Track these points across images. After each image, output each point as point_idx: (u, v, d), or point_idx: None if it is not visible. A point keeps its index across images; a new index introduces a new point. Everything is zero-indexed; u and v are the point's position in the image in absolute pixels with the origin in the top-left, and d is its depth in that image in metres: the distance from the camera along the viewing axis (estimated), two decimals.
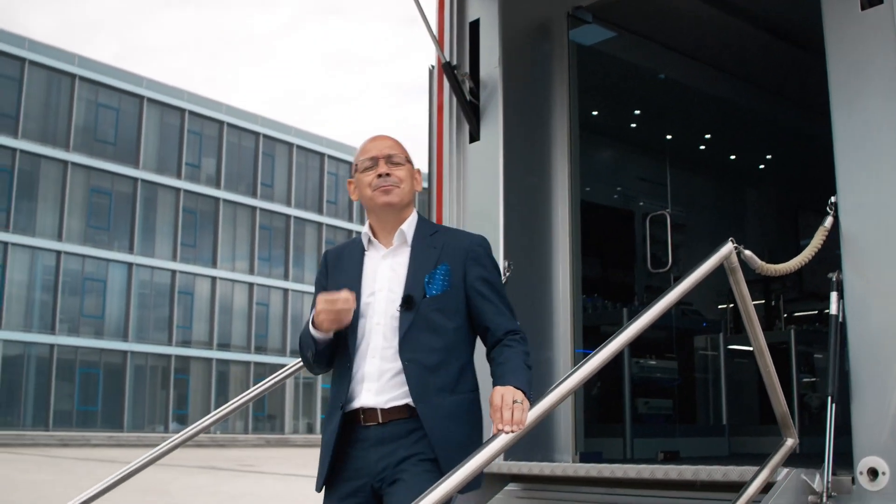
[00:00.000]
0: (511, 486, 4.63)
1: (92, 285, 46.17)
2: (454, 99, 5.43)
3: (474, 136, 5.35)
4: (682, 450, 6.31)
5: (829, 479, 3.41)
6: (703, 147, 8.56)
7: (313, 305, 3.12)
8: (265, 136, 53.96)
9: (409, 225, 3.18)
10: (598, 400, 6.75)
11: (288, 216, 54.76)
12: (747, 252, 3.32)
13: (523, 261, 5.16)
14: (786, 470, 3.40)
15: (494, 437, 2.58)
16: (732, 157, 8.91)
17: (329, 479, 3.08)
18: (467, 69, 5.41)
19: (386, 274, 3.12)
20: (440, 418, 2.95)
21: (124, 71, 48.02)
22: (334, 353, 3.15)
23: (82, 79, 45.91)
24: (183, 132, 50.13)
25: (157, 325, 48.51)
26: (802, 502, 3.40)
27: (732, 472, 3.46)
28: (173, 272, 49.01)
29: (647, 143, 8.17)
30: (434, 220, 5.54)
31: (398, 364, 2.99)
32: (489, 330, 3.06)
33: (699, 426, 7.17)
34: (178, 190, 49.56)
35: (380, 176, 3.14)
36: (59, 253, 44.47)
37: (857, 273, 3.61)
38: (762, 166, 9.19)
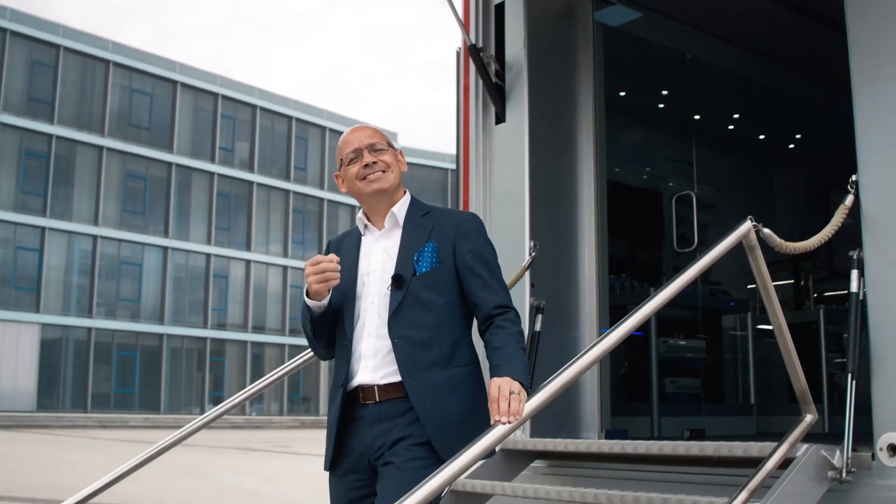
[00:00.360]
0: (537, 463, 4.68)
1: (128, 269, 46.63)
2: (480, 81, 5.48)
3: (500, 118, 5.39)
4: (710, 428, 6.34)
5: (849, 455, 3.42)
6: (731, 127, 8.55)
7: None
8: (298, 119, 54.15)
9: (399, 207, 3.25)
10: (625, 379, 6.79)
11: (321, 199, 54.97)
12: (766, 230, 3.33)
13: (549, 241, 5.21)
14: (805, 446, 3.42)
15: (492, 427, 2.60)
16: (761, 136, 8.89)
17: (335, 457, 3.15)
18: (493, 52, 5.45)
19: (379, 255, 3.18)
20: (429, 393, 2.99)
21: (158, 56, 48.32)
22: (333, 334, 3.23)
23: (116, 65, 46.27)
24: (216, 117, 50.40)
25: (193, 308, 48.92)
26: (822, 478, 3.42)
27: (753, 448, 3.48)
28: (208, 256, 49.39)
29: (675, 123, 8.17)
30: (461, 201, 5.60)
31: (389, 341, 3.07)
32: (477, 305, 3.10)
33: (727, 405, 7.19)
34: (211, 174, 49.88)
35: (366, 165, 3.21)
36: (95, 237, 44.94)
37: (878, 250, 3.62)
38: (792, 146, 9.15)
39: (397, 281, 3.08)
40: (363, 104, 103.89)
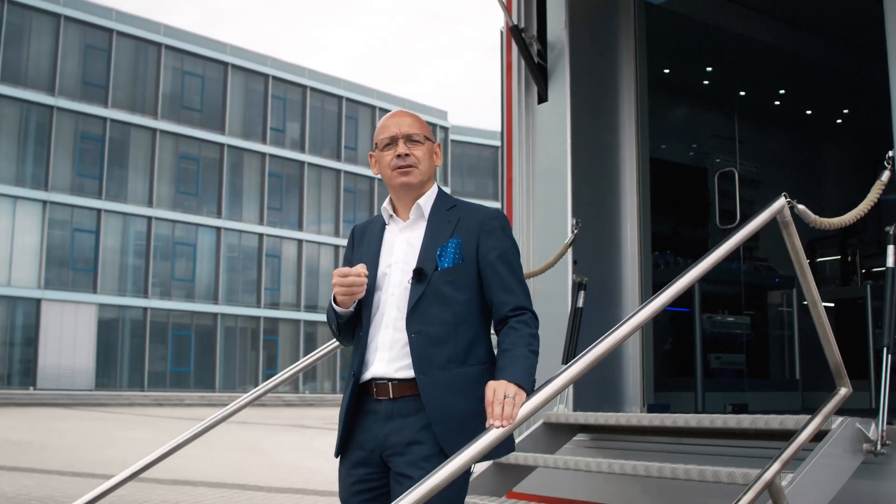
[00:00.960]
0: (579, 436, 4.77)
1: (182, 250, 47.25)
2: (522, 61, 5.55)
3: (542, 98, 5.47)
4: (753, 404, 6.37)
5: (884, 428, 3.47)
6: (777, 102, 8.52)
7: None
8: (348, 99, 54.38)
9: (426, 199, 3.21)
10: (671, 355, 6.84)
11: (372, 178, 55.17)
12: (800, 206, 3.38)
13: (591, 218, 5.28)
14: (840, 419, 3.48)
15: (486, 430, 2.62)
16: (808, 112, 8.85)
17: (344, 446, 3.16)
18: (535, 32, 5.51)
19: (402, 247, 3.16)
20: (440, 389, 2.98)
21: (208, 38, 48.75)
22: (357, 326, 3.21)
23: (168, 47, 46.76)
24: (267, 97, 50.78)
25: (246, 287, 49.46)
26: (857, 450, 3.47)
27: (788, 421, 3.54)
28: (260, 236, 49.86)
29: (720, 99, 8.16)
30: (504, 179, 5.69)
31: (407, 335, 3.04)
32: (495, 305, 3.07)
33: (772, 381, 7.20)
34: (263, 155, 50.29)
35: (399, 156, 3.16)
36: (149, 219, 45.59)
37: None
38: (839, 120, 9.10)
39: (419, 275, 3.06)
40: (413, 82, 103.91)
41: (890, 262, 3.67)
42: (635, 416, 4.52)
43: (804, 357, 7.14)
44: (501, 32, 5.88)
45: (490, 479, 4.38)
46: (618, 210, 5.46)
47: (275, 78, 51.06)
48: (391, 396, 3.04)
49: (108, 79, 44.53)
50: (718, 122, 8.22)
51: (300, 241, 51.46)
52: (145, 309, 45.21)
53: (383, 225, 3.28)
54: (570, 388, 4.84)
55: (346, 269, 3.04)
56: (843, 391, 3.51)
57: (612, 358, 5.25)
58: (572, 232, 5.10)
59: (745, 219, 6.61)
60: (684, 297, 6.57)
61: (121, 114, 44.73)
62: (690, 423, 3.98)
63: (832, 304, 7.62)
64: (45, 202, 42.17)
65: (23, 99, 41.70)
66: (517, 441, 4.61)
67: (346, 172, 53.78)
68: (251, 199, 50.00)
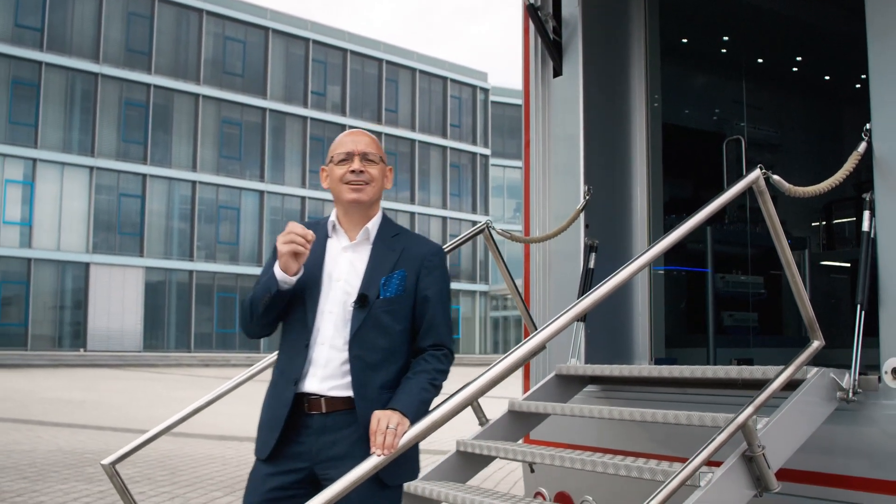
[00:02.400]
0: (590, 387, 5.14)
1: (226, 213, 48.01)
2: (539, 38, 5.87)
3: (557, 72, 5.79)
4: (763, 359, 6.67)
5: (857, 378, 3.82)
6: (795, 69, 8.75)
7: (273, 261, 3.19)
8: (388, 62, 54.64)
9: (374, 223, 3.28)
10: (686, 313, 7.18)
11: (412, 141, 55.52)
12: (775, 177, 3.72)
13: (603, 185, 5.61)
14: (816, 369, 3.83)
15: (369, 457, 2.93)
16: (826, 77, 9.06)
17: (273, 451, 3.15)
18: (550, 10, 5.83)
19: (345, 266, 3.22)
20: (374, 411, 3.05)
21: (249, 3, 49.14)
22: (276, 321, 3.26)
23: (209, 13, 47.27)
24: (308, 61, 51.20)
25: None
26: (831, 398, 3.81)
27: (770, 371, 3.87)
28: (303, 198, 50.47)
29: (739, 67, 8.41)
30: (523, 148, 6.04)
31: (345, 355, 3.12)
32: (419, 335, 3.21)
33: (781, 338, 7.49)
34: (304, 118, 50.81)
35: (353, 172, 3.22)
36: (194, 183, 46.36)
37: (889, 193, 3.95)
38: (858, 85, 9.29)
39: (362, 301, 3.14)
40: (452, 44, 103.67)
41: (865, 227, 3.98)
42: (637, 367, 4.87)
43: (816, 316, 7.41)
44: (523, 10, 6.20)
45: (506, 425, 4.76)
46: (629, 176, 5.78)
47: (315, 42, 51.43)
48: (323, 411, 3.12)
49: (150, 45, 45.17)
50: (738, 88, 8.48)
51: None
52: (191, 272, 46.08)
53: (326, 235, 3.31)
54: (583, 342, 5.22)
55: (294, 225, 3.09)
56: (815, 344, 3.86)
57: (623, 315, 5.62)
58: (584, 198, 5.44)
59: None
60: (700, 259, 6.92)
61: (164, 80, 45.42)
62: (685, 373, 4.33)
63: (848, 265, 7.89)
64: (91, 168, 43.07)
65: (68, 67, 42.52)
66: (532, 391, 5.01)
67: (386, 135, 54.13)
68: (293, 162, 50.59)
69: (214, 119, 47.47)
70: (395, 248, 3.24)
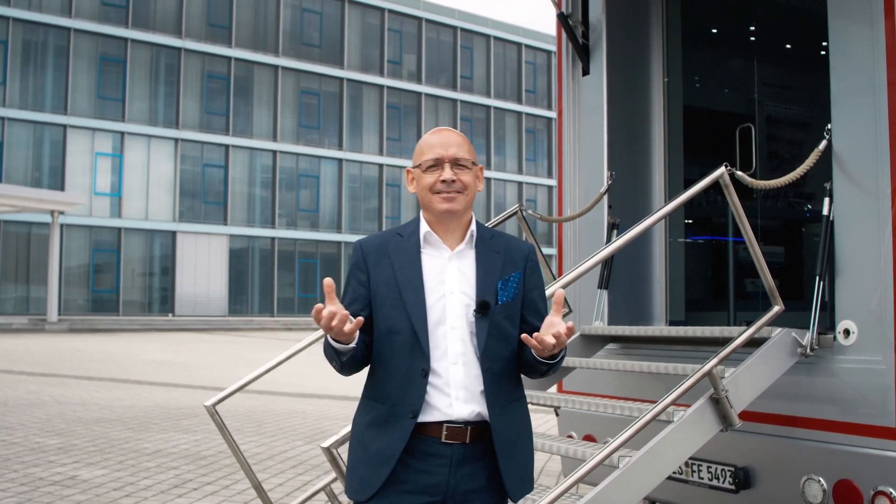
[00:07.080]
0: (610, 346, 6.00)
1: (306, 181, 49.32)
2: (569, 42, 6.70)
3: (585, 71, 6.61)
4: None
5: (814, 337, 4.64)
6: (823, 53, 9.34)
7: (345, 295, 3.00)
8: (462, 29, 55.29)
9: (475, 227, 3.02)
10: (710, 280, 7.95)
11: (488, 107, 56.17)
12: (739, 172, 4.54)
13: (625, 169, 6.44)
14: (779, 329, 4.65)
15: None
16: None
17: (384, 486, 2.86)
18: (580, 16, 6.64)
19: (455, 276, 2.94)
20: (506, 429, 2.91)
21: None
22: (368, 354, 2.97)
23: None
24: (383, 31, 52.09)
25: (367, 216, 51.29)
26: (792, 353, 4.63)
27: (748, 332, 4.70)
28: (380, 166, 51.55)
29: (767, 53, 9.06)
30: (556, 140, 6.90)
31: (477, 371, 2.89)
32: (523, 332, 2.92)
33: (800, 303, 8.20)
34: (381, 87, 51.76)
35: (444, 181, 2.95)
36: (274, 152, 47.70)
37: (844, 183, 4.72)
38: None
39: (483, 308, 2.89)
40: (524, 8, 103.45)
41: (825, 211, 4.77)
42: (648, 328, 5.74)
43: (830, 282, 8.13)
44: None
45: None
46: (648, 162, 6.59)
47: (390, 11, 52.25)
48: (466, 440, 2.87)
49: (230, 19, 46.49)
50: (768, 72, 9.14)
51: None
52: (273, 238, 47.52)
53: (417, 247, 3.01)
54: (606, 307, 6.09)
55: (331, 311, 2.68)
56: (776, 308, 4.68)
57: (642, 282, 6.47)
58: (607, 182, 6.27)
59: (795, 160, 7.62)
60: (724, 230, 7.69)
61: (244, 52, 46.76)
62: (680, 333, 5.19)
63: None
64: (176, 140, 44.63)
65: (152, 42, 44.04)
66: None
67: (462, 102, 54.87)
68: (370, 130, 51.61)
69: (293, 90, 48.72)
70: (497, 249, 3.01)
